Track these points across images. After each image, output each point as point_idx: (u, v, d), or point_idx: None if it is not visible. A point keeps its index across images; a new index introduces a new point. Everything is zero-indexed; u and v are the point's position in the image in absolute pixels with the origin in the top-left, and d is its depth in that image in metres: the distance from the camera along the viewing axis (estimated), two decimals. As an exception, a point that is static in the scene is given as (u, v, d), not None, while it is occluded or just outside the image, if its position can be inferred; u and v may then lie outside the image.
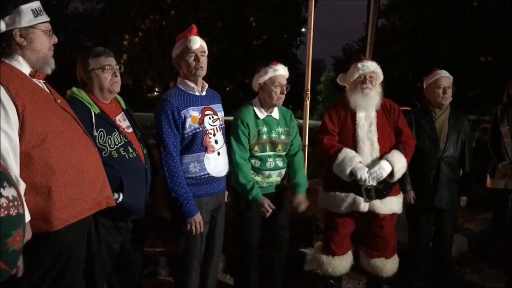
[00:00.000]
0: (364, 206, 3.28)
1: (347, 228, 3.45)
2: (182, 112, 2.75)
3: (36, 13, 2.08)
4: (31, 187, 1.93)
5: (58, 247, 2.05)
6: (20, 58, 2.07)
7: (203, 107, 2.85)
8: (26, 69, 2.09)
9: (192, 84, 2.85)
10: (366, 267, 3.52)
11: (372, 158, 3.25)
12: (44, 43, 2.12)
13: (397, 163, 3.23)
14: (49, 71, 2.17)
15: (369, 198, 3.27)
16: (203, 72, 2.83)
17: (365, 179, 3.18)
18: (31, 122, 1.96)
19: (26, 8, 2.06)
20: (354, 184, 3.26)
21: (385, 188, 3.30)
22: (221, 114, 2.98)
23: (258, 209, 3.13)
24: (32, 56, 2.09)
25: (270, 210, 3.12)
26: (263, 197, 3.13)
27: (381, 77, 3.38)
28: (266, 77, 3.15)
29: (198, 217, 2.74)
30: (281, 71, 3.17)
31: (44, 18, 2.13)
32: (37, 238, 1.93)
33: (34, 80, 2.11)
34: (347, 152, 3.23)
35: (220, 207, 3.01)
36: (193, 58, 2.79)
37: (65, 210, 2.02)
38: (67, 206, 2.03)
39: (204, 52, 2.85)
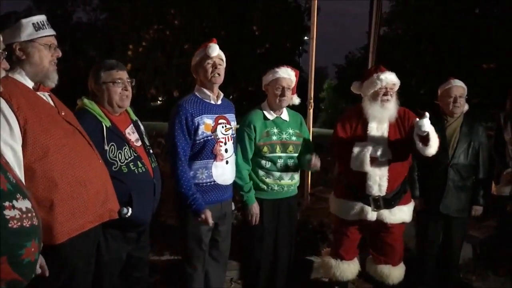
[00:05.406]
0: (371, 215, 3.29)
1: (355, 234, 3.46)
2: (196, 118, 2.79)
3: (37, 27, 2.08)
4: (34, 200, 1.91)
5: (61, 260, 2.03)
6: (23, 72, 2.07)
7: (217, 115, 2.89)
8: (29, 82, 2.09)
9: (209, 92, 2.88)
10: (373, 274, 3.53)
11: (379, 168, 3.24)
12: (43, 57, 2.10)
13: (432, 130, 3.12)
14: (51, 85, 2.16)
15: (377, 207, 3.28)
16: (219, 79, 2.87)
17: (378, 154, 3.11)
18: (33, 136, 1.96)
19: (26, 22, 2.06)
20: (362, 193, 3.27)
21: (393, 198, 3.31)
22: (233, 123, 3.02)
23: (246, 213, 3.17)
24: (31, 69, 2.08)
25: (256, 220, 3.16)
26: (256, 204, 3.16)
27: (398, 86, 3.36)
28: (269, 80, 3.23)
29: (208, 211, 2.77)
30: (281, 73, 3.20)
31: (47, 32, 2.12)
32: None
33: (38, 93, 2.11)
34: (357, 145, 3.21)
35: (225, 216, 3.02)
36: (210, 65, 2.83)
37: (67, 223, 2.03)
38: (69, 219, 2.03)
39: (222, 61, 2.89)
